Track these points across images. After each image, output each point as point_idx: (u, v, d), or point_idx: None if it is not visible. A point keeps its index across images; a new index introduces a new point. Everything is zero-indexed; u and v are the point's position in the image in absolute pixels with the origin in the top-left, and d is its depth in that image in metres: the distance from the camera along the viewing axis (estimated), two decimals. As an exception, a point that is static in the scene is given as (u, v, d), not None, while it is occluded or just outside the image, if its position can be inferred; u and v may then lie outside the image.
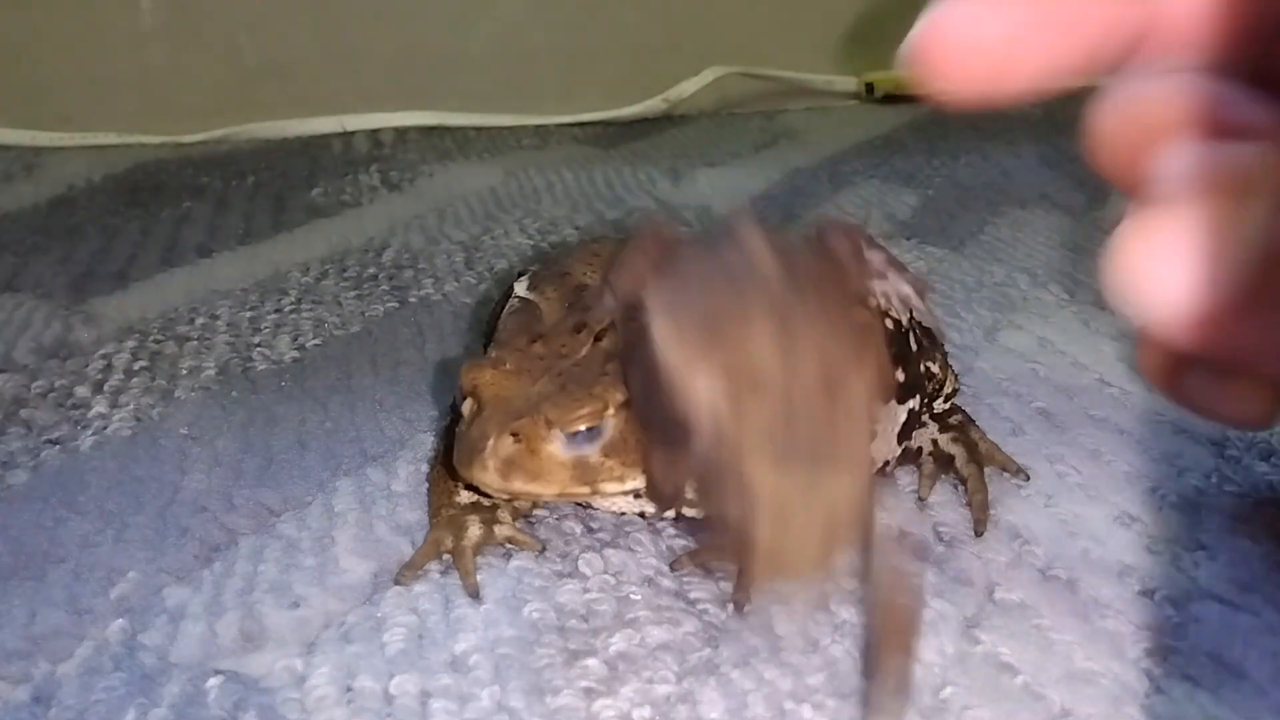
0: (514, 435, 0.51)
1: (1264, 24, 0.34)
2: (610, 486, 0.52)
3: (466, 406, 0.54)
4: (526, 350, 0.55)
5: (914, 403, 0.64)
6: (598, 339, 0.55)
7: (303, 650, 0.53)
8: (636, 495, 0.57)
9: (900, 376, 0.62)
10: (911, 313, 0.66)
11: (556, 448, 0.51)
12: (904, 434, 0.64)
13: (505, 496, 0.57)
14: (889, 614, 0.47)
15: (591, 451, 0.51)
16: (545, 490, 0.52)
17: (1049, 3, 0.34)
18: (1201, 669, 0.52)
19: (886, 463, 0.65)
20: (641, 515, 0.61)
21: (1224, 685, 0.51)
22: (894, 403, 0.62)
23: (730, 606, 0.56)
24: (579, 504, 0.63)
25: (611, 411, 0.51)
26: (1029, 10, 0.34)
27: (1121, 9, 0.35)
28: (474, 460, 0.51)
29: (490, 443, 0.50)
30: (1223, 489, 0.67)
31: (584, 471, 0.52)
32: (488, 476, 0.51)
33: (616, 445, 0.52)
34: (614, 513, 0.62)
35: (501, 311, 0.64)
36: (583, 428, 0.51)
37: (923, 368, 0.66)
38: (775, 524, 0.39)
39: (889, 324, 0.63)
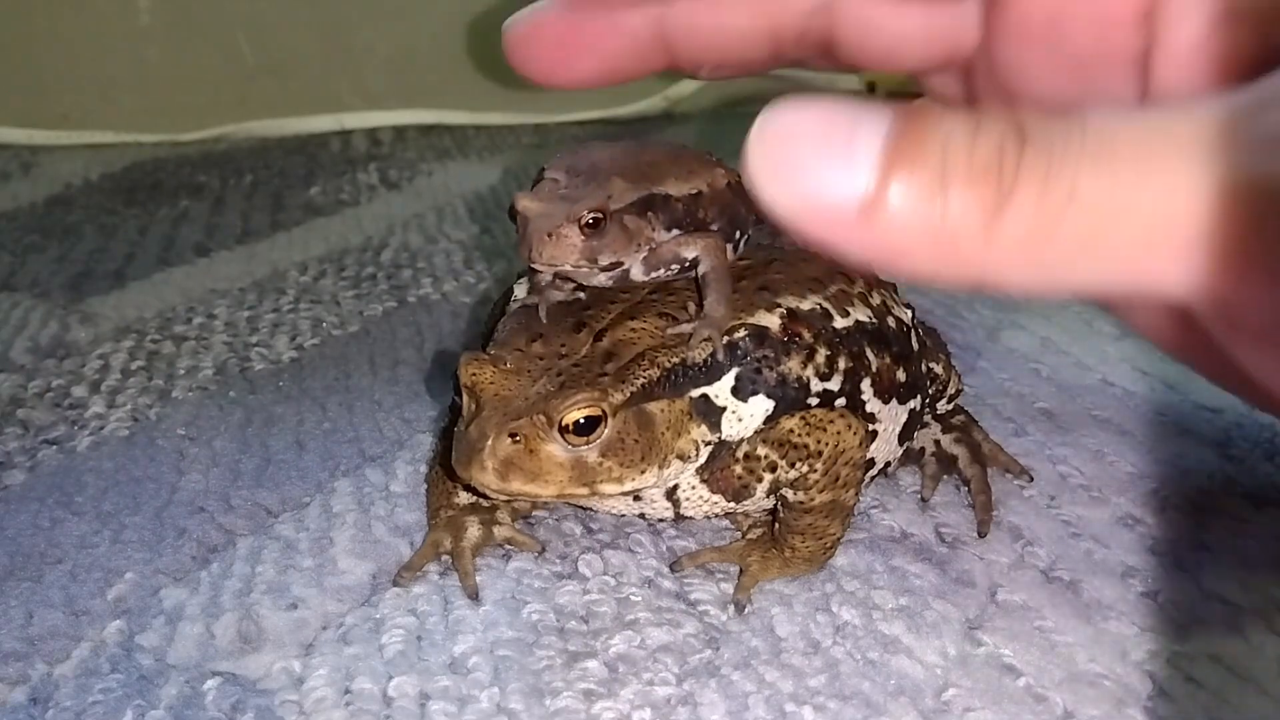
0: (512, 436, 0.50)
1: None
2: (608, 488, 0.52)
3: (465, 406, 0.54)
4: (526, 350, 0.55)
5: (915, 403, 0.63)
6: (597, 339, 0.54)
7: (301, 651, 0.53)
8: (636, 497, 0.57)
9: (902, 376, 0.62)
10: (913, 311, 0.66)
11: (555, 448, 0.51)
12: (905, 434, 0.64)
13: (504, 498, 0.56)
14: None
15: (590, 452, 0.51)
16: (544, 491, 0.51)
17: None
18: (1204, 671, 0.51)
19: (888, 464, 0.64)
20: (641, 516, 0.61)
21: (1227, 687, 0.50)
22: (895, 403, 0.61)
23: (731, 608, 0.56)
24: (578, 505, 0.63)
25: (610, 409, 0.51)
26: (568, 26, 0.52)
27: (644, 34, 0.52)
28: (473, 461, 0.51)
29: (489, 443, 0.50)
30: (1226, 490, 0.66)
31: (582, 472, 0.51)
32: (486, 477, 0.51)
33: (614, 446, 0.52)
34: (613, 514, 0.61)
35: (500, 313, 0.63)
36: (580, 418, 0.50)
37: (925, 368, 0.66)
38: None
39: (891, 322, 0.62)
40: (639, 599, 0.56)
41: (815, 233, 0.44)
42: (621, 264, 0.55)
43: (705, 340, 0.54)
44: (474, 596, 0.56)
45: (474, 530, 0.59)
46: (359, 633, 0.54)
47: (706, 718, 0.49)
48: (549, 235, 0.53)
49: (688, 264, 0.57)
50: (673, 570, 0.59)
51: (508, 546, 0.60)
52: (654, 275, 0.57)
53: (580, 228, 0.53)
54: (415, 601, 0.57)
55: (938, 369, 0.68)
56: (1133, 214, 0.39)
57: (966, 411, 0.71)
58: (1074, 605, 0.56)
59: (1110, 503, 0.65)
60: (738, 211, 0.60)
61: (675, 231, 0.57)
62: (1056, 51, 0.51)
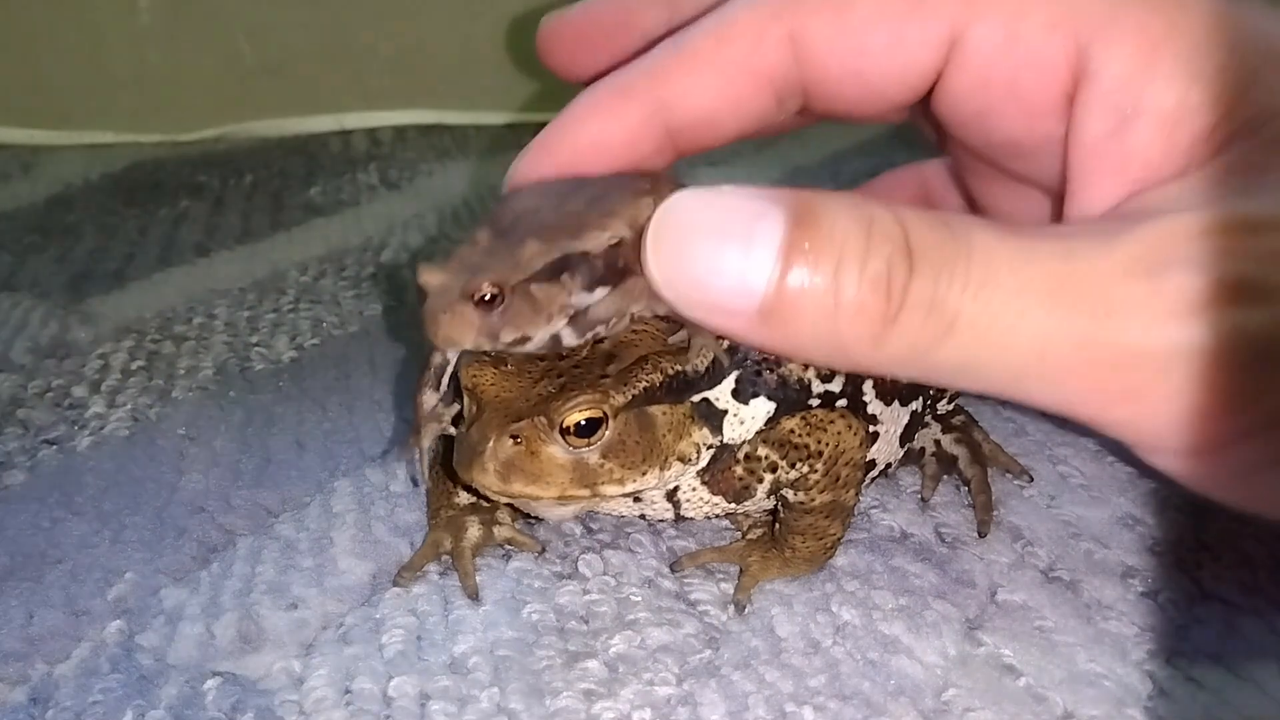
0: (514, 437, 0.50)
1: None
2: (610, 489, 0.52)
3: (466, 408, 0.54)
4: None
5: (917, 404, 0.63)
6: (598, 341, 0.54)
7: (301, 652, 0.53)
8: (636, 499, 0.57)
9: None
10: None
11: (556, 450, 0.51)
12: (907, 435, 0.64)
13: (505, 499, 0.56)
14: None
15: (591, 454, 0.51)
16: (545, 492, 0.51)
17: (568, 152, 0.55)
18: (1204, 671, 0.52)
19: (889, 464, 0.64)
20: (641, 517, 0.61)
21: (1227, 687, 0.51)
22: (897, 404, 0.61)
23: (731, 608, 0.56)
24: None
25: (611, 411, 0.51)
26: (560, 162, 0.55)
27: (630, 135, 0.54)
28: (474, 463, 0.51)
29: (490, 445, 0.50)
30: (1225, 490, 0.66)
31: (584, 474, 0.51)
32: (487, 479, 0.50)
33: (616, 448, 0.52)
34: (614, 515, 0.61)
35: None
36: (581, 420, 0.50)
37: None
38: None
39: None
40: (639, 599, 0.56)
41: (714, 326, 0.47)
42: (528, 338, 0.49)
43: (702, 350, 0.53)
44: (474, 597, 0.56)
45: (474, 530, 0.60)
46: (359, 633, 0.54)
47: (706, 718, 0.49)
48: (443, 314, 0.48)
49: (630, 318, 0.52)
50: (673, 570, 0.59)
51: (508, 546, 0.60)
52: (594, 335, 0.52)
53: (475, 304, 0.47)
54: (415, 601, 0.57)
55: None
56: (1006, 350, 0.43)
57: (967, 412, 0.71)
58: (1074, 605, 0.56)
59: (1110, 503, 0.65)
60: None
61: (600, 290, 0.50)
62: (996, 130, 0.53)
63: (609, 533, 0.62)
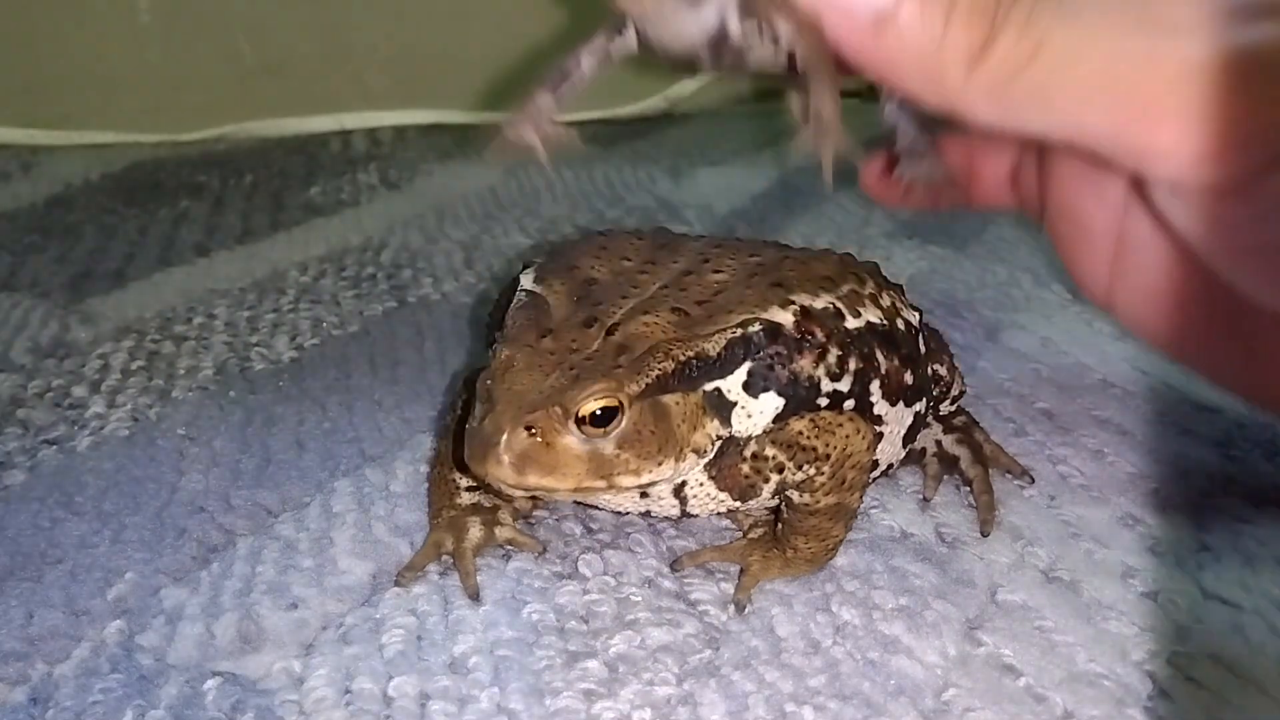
0: (529, 429, 0.50)
1: None
2: (626, 480, 0.52)
3: (477, 401, 0.53)
4: (536, 345, 0.54)
5: (920, 406, 0.63)
6: (609, 333, 0.54)
7: (301, 652, 0.53)
8: (643, 494, 0.57)
9: (909, 379, 0.62)
10: (920, 314, 0.66)
11: (572, 440, 0.50)
12: (910, 436, 0.64)
13: (520, 493, 0.56)
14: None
15: (607, 444, 0.51)
16: (561, 484, 0.51)
17: None
18: (1205, 671, 0.52)
19: (891, 465, 0.64)
20: (646, 515, 0.61)
21: (1227, 687, 0.50)
22: (902, 405, 0.61)
23: (731, 608, 0.56)
24: (579, 503, 0.63)
25: (626, 400, 0.50)
26: None
27: None
28: (488, 455, 0.50)
29: (504, 437, 0.49)
30: (1227, 490, 0.66)
31: (600, 464, 0.51)
32: (503, 472, 0.50)
33: (631, 438, 0.51)
34: (617, 512, 0.61)
35: (506, 304, 0.63)
36: (597, 409, 0.50)
37: (930, 370, 0.66)
38: None
39: (901, 324, 0.62)
40: (639, 599, 0.56)
41: (831, 30, 0.50)
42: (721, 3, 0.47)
43: (827, 142, 0.50)
44: (475, 597, 0.56)
45: (475, 531, 0.59)
46: (359, 633, 0.54)
47: (706, 718, 0.49)
48: None
49: (778, 41, 0.49)
50: (673, 570, 0.59)
51: (508, 547, 0.60)
52: (749, 48, 0.49)
53: None
54: (415, 601, 0.57)
55: (941, 370, 0.68)
56: (1081, 70, 0.46)
57: (968, 412, 0.71)
58: (1074, 605, 0.56)
59: (1110, 503, 0.65)
60: None
61: None
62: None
63: (609, 533, 0.62)
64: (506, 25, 1.63)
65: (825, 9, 0.49)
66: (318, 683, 0.51)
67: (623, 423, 0.51)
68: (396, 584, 0.58)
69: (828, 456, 0.56)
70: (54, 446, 0.73)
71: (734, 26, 0.49)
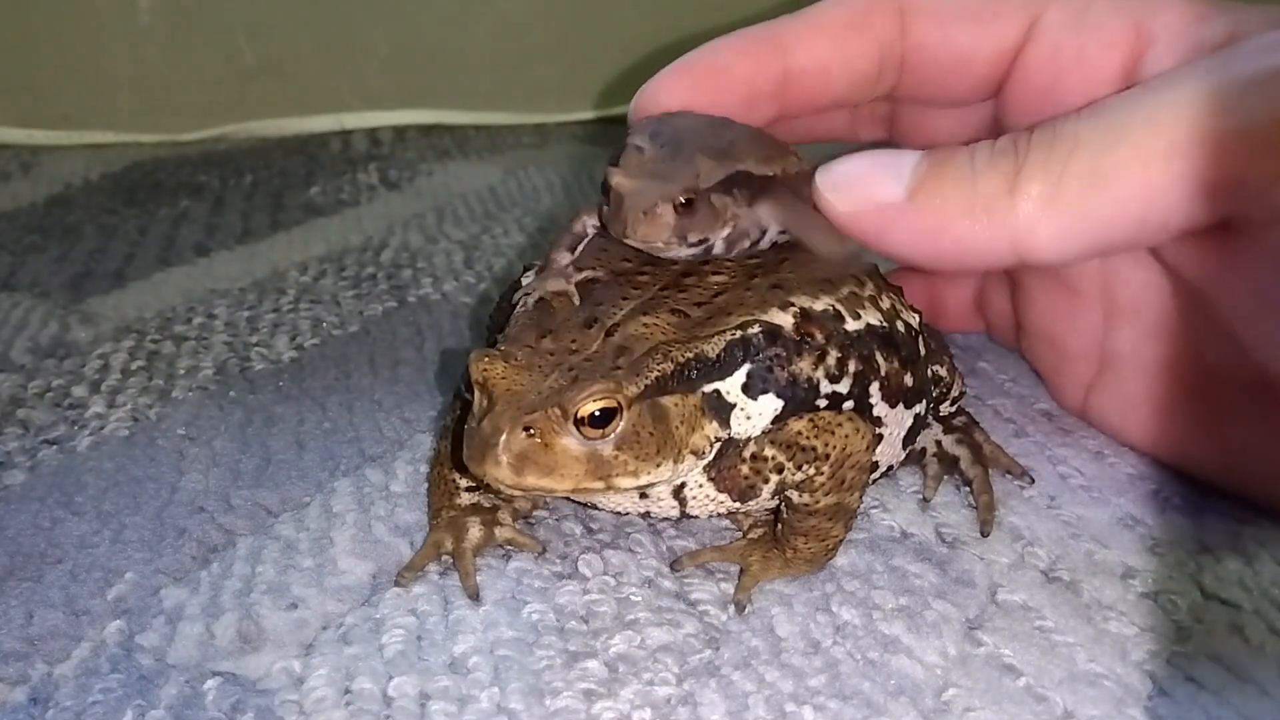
0: (527, 429, 0.49)
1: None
2: (624, 481, 0.52)
3: (476, 401, 0.53)
4: (536, 346, 0.54)
5: (920, 407, 0.63)
6: (609, 334, 0.54)
7: (301, 651, 0.53)
8: (643, 495, 0.57)
9: (909, 381, 0.62)
10: (920, 316, 0.66)
11: (571, 441, 0.50)
12: (910, 438, 0.64)
13: (518, 493, 0.56)
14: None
15: (605, 445, 0.51)
16: (559, 485, 0.51)
17: (703, 72, 0.64)
18: (1205, 671, 0.52)
19: (890, 466, 0.64)
20: (645, 516, 0.61)
21: (1227, 688, 0.50)
22: (901, 407, 0.61)
23: (731, 608, 0.56)
24: (584, 503, 0.63)
25: (625, 401, 0.50)
26: (695, 81, 0.64)
27: (758, 67, 0.64)
28: (486, 455, 0.50)
29: (503, 438, 0.49)
30: (1226, 490, 0.66)
31: (598, 465, 0.51)
32: (501, 472, 0.50)
33: (630, 439, 0.51)
34: (617, 512, 0.61)
35: (507, 305, 0.63)
36: (595, 410, 0.50)
37: (930, 372, 0.66)
38: None
39: (901, 326, 0.62)
40: (639, 599, 0.56)
41: (871, 227, 0.56)
42: (708, 240, 0.58)
43: (836, 244, 0.58)
44: (475, 597, 0.56)
45: (475, 531, 0.59)
46: (359, 633, 0.54)
47: (706, 718, 0.49)
48: (644, 214, 0.55)
49: (761, 235, 0.60)
50: (673, 570, 0.59)
51: (508, 547, 0.60)
52: (735, 249, 0.60)
53: (674, 208, 0.55)
54: (415, 601, 0.56)
55: (942, 371, 0.68)
56: (1126, 143, 0.50)
57: (968, 413, 0.71)
58: (1074, 605, 0.56)
59: (1110, 503, 0.65)
60: (800, 194, 0.62)
61: (756, 208, 0.60)
62: (1061, 104, 0.60)
63: (609, 533, 0.62)
64: (506, 25, 1.63)
65: (859, 214, 0.55)
66: (318, 683, 0.51)
67: (621, 424, 0.51)
68: (396, 584, 0.58)
69: (827, 456, 0.56)
70: (54, 446, 0.73)
71: (719, 249, 0.59)
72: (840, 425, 0.56)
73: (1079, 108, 0.53)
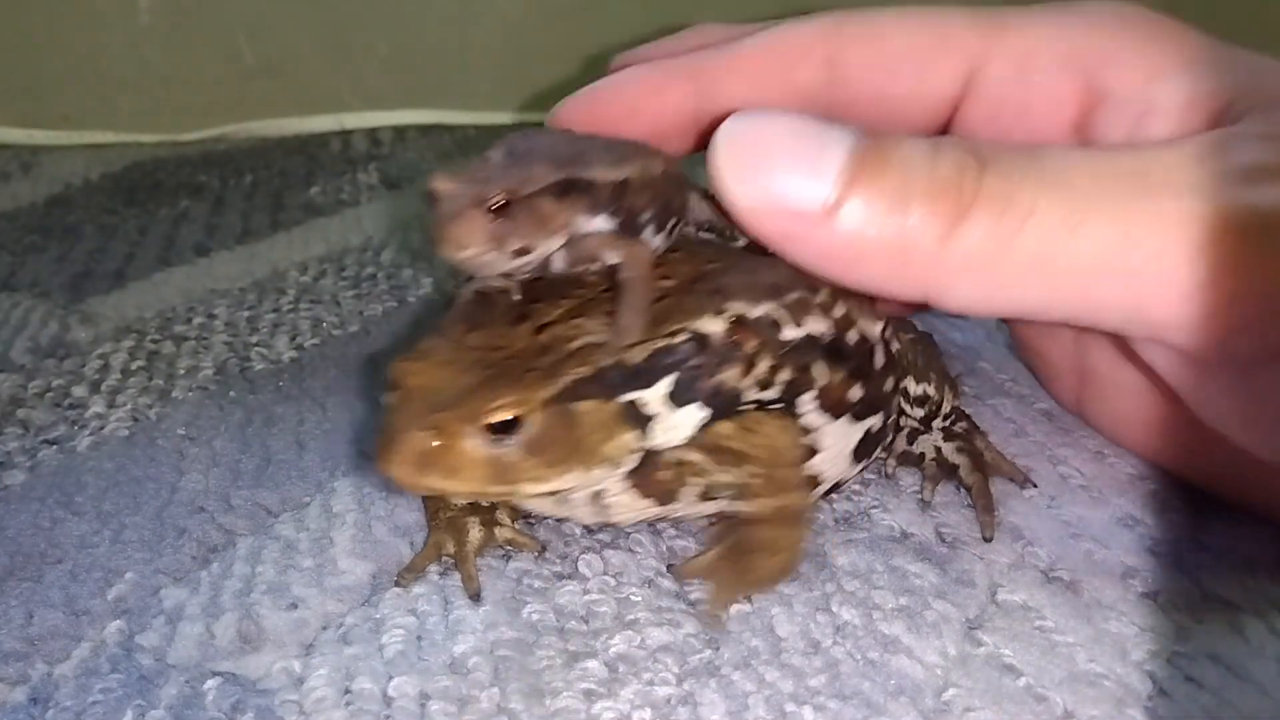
0: (430, 429, 0.48)
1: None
2: (529, 487, 0.50)
3: (391, 397, 0.51)
4: (461, 340, 0.52)
5: (875, 421, 0.61)
6: (538, 332, 0.52)
7: (301, 652, 0.53)
8: (559, 500, 0.55)
9: (856, 393, 0.59)
10: (886, 327, 0.64)
11: (473, 444, 0.48)
12: (863, 452, 0.62)
13: (420, 494, 0.55)
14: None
15: (510, 450, 0.49)
16: (460, 488, 0.49)
17: (605, 106, 0.60)
18: (1205, 671, 0.52)
19: (838, 484, 0.63)
20: (560, 521, 0.60)
21: (1228, 688, 0.50)
22: (847, 420, 0.59)
23: (731, 608, 0.56)
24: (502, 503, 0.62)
25: (532, 407, 0.48)
26: (595, 114, 0.60)
27: (665, 106, 0.60)
28: (389, 454, 0.48)
29: (406, 437, 0.48)
30: (1225, 490, 0.66)
31: (502, 470, 0.49)
32: (401, 471, 0.48)
33: (537, 445, 0.49)
34: (538, 516, 0.61)
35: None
36: (500, 414, 0.48)
37: (896, 386, 0.64)
38: None
39: (853, 336, 0.59)
40: (639, 599, 0.56)
41: (774, 233, 0.48)
42: (530, 250, 0.51)
43: (617, 351, 0.52)
44: (476, 598, 0.56)
45: (475, 532, 0.59)
46: (359, 633, 0.54)
47: (706, 718, 0.49)
48: (453, 219, 0.49)
49: (609, 266, 0.54)
50: (670, 572, 0.59)
51: (508, 547, 0.60)
52: (577, 269, 0.55)
53: (486, 210, 0.50)
54: (415, 601, 0.57)
55: (930, 390, 0.67)
56: (1084, 240, 0.43)
57: (969, 418, 0.71)
58: (1074, 605, 0.56)
59: (1110, 503, 0.65)
60: (670, 200, 0.58)
61: (601, 219, 0.54)
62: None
63: (609, 533, 0.62)
64: (506, 25, 1.63)
65: (761, 214, 0.47)
66: (318, 683, 0.51)
67: (528, 429, 0.49)
68: (396, 585, 0.58)
69: (757, 458, 0.54)
70: (54, 446, 0.73)
71: (558, 265, 0.55)
72: (763, 424, 0.54)
73: (1037, 145, 0.46)
